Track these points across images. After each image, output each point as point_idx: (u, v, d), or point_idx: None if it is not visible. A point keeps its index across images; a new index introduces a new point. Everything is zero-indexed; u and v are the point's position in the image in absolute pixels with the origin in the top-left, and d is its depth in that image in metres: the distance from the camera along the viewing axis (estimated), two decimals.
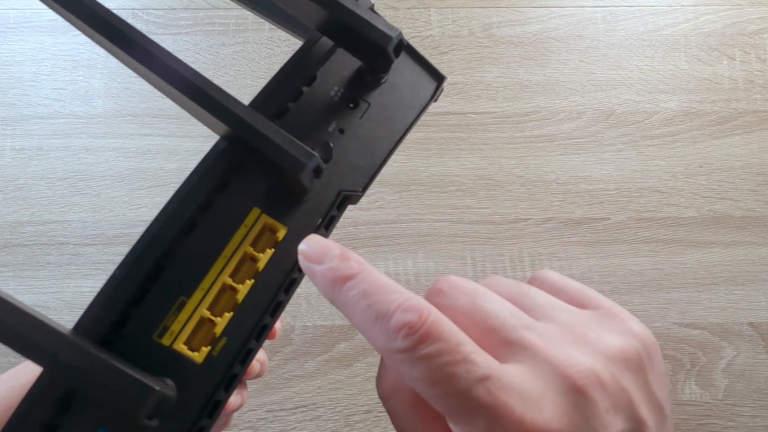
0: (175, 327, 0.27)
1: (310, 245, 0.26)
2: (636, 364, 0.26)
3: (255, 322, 0.28)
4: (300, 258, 0.26)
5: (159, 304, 0.27)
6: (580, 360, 0.24)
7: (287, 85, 0.30)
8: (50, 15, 1.05)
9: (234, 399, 0.55)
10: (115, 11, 0.26)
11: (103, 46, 0.27)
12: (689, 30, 1.09)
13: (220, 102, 0.26)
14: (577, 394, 0.23)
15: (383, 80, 0.31)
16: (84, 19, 0.26)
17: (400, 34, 0.27)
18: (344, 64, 0.31)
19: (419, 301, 0.24)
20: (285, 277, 0.28)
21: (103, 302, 0.26)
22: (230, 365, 0.27)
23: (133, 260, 0.27)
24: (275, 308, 0.28)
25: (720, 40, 1.09)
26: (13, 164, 1.00)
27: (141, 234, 0.27)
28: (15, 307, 0.23)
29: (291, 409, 0.93)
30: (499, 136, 1.04)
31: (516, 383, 0.23)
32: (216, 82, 0.27)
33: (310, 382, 0.94)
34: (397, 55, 0.28)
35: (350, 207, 0.31)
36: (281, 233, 0.28)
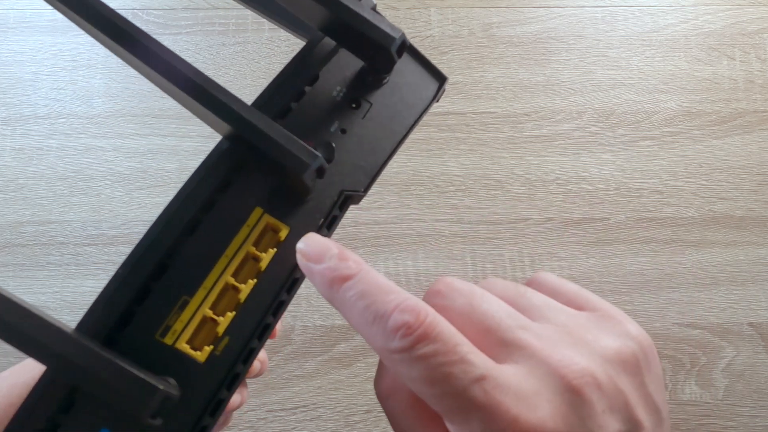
0: (178, 326, 0.27)
1: (309, 244, 0.26)
2: (632, 366, 0.26)
3: (257, 321, 0.28)
4: (298, 257, 0.26)
5: (162, 303, 0.27)
6: (576, 360, 0.24)
7: (290, 85, 0.30)
8: (50, 15, 1.05)
9: (234, 398, 0.55)
10: None
11: (106, 46, 0.27)
12: (689, 30, 1.09)
13: (223, 101, 0.26)
14: (572, 395, 0.23)
15: (385, 80, 0.31)
16: (87, 18, 0.26)
17: (403, 35, 0.27)
18: (346, 64, 0.31)
19: (417, 302, 0.24)
20: (287, 276, 0.28)
21: (106, 301, 0.26)
22: (232, 364, 0.27)
23: (136, 259, 0.27)
24: (277, 308, 0.28)
25: (720, 40, 1.09)
26: (13, 164, 1.00)
27: (143, 233, 0.27)
28: (19, 306, 0.23)
29: (291, 409, 0.93)
30: (499, 136, 1.04)
31: (512, 383, 0.23)
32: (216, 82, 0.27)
33: (310, 382, 0.94)
34: (399, 55, 0.28)
35: (350, 207, 0.31)
36: (283, 233, 0.28)
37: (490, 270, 0.99)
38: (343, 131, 0.30)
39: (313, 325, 0.95)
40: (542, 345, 0.25)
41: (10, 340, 0.23)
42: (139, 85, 1.03)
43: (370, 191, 0.31)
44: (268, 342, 0.86)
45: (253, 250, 0.28)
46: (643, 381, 0.26)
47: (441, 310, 0.26)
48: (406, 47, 0.29)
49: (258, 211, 0.28)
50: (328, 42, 0.30)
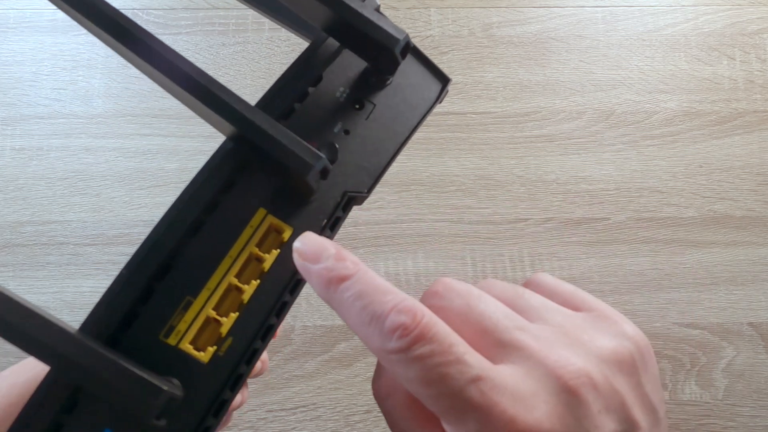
0: (182, 327, 0.27)
1: (306, 243, 0.26)
2: (629, 366, 0.26)
3: (260, 322, 0.28)
4: (295, 256, 0.26)
5: (165, 303, 0.27)
6: (572, 361, 0.24)
7: (293, 86, 0.30)
8: (50, 15, 1.05)
9: (236, 397, 0.55)
10: None
11: (109, 45, 0.27)
12: (689, 30, 1.09)
13: (227, 102, 0.26)
14: (569, 395, 0.23)
15: (389, 81, 0.31)
16: (90, 17, 0.26)
17: (407, 36, 0.28)
18: (350, 65, 0.31)
19: (413, 303, 0.24)
20: (290, 277, 0.28)
21: (109, 302, 0.26)
22: (236, 365, 0.27)
23: (139, 260, 0.27)
24: (280, 309, 0.28)
25: (720, 40, 1.09)
26: (13, 164, 1.00)
27: (144, 233, 0.27)
28: (22, 306, 0.23)
29: (291, 409, 0.93)
30: (499, 136, 1.04)
31: (508, 383, 0.23)
32: None
33: (310, 382, 0.94)
34: (403, 57, 0.28)
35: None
36: (287, 234, 0.28)
37: (490, 270, 0.99)
38: (347, 132, 0.30)
39: (313, 325, 0.95)
40: (539, 346, 0.25)
41: (13, 341, 0.23)
42: (139, 85, 1.03)
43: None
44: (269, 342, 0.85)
45: (256, 251, 0.28)
46: (640, 381, 0.26)
47: (438, 311, 0.26)
48: (410, 48, 0.29)
49: (261, 211, 0.28)
50: (332, 43, 0.30)
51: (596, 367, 0.25)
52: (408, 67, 0.32)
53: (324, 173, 0.27)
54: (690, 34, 1.09)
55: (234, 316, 0.27)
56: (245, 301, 0.28)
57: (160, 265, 0.27)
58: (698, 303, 0.98)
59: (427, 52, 0.32)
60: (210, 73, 0.26)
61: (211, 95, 0.26)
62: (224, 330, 0.27)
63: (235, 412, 0.81)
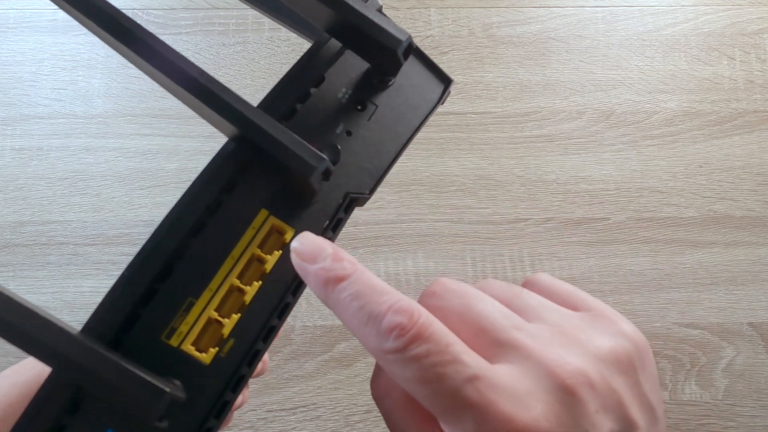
0: (183, 328, 0.27)
1: (303, 243, 0.26)
2: (626, 365, 0.26)
3: (262, 323, 0.28)
4: (292, 256, 0.26)
5: (167, 305, 0.27)
6: (569, 360, 0.24)
7: (295, 87, 0.30)
8: (50, 15, 1.05)
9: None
10: None
11: (111, 45, 0.27)
12: (689, 30, 1.09)
13: (229, 103, 0.26)
14: (566, 394, 0.23)
15: (391, 82, 0.31)
16: (92, 17, 0.26)
17: (410, 37, 0.27)
18: (352, 65, 0.31)
19: (410, 303, 0.24)
20: (292, 279, 0.28)
21: (111, 303, 0.26)
22: (238, 366, 0.27)
23: (141, 261, 0.27)
24: (283, 310, 0.28)
25: (720, 40, 1.09)
26: (13, 164, 1.00)
27: (144, 233, 0.27)
28: (24, 307, 0.23)
29: (291, 409, 0.93)
30: (499, 136, 1.04)
31: (505, 383, 0.23)
32: None
33: (310, 382, 0.94)
34: (406, 58, 0.28)
35: None
36: (289, 235, 0.28)
37: (490, 270, 0.99)
38: (349, 133, 0.30)
39: (313, 325, 0.95)
40: (536, 345, 0.25)
41: (16, 342, 0.23)
42: (139, 85, 1.03)
43: None
44: None
45: (258, 252, 0.28)
46: (638, 380, 0.26)
47: (436, 310, 0.26)
48: (412, 49, 0.29)
49: (263, 212, 0.28)
50: (334, 43, 0.30)
51: (593, 367, 0.25)
52: (410, 67, 0.32)
53: (326, 175, 0.27)
54: (690, 34, 1.09)
55: (236, 317, 0.27)
56: (247, 302, 0.28)
57: (162, 267, 0.27)
58: (698, 303, 0.98)
59: (427, 52, 0.32)
60: (210, 73, 0.26)
61: (213, 96, 0.26)
62: (226, 331, 0.27)
63: (235, 411, 0.81)
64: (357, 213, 1.00)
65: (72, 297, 0.95)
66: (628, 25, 1.09)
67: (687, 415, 0.94)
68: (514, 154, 1.03)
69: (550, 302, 0.29)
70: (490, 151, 1.03)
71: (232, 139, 0.28)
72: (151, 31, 0.26)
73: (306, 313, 0.95)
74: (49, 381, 0.25)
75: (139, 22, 0.26)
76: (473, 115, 1.05)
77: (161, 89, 0.28)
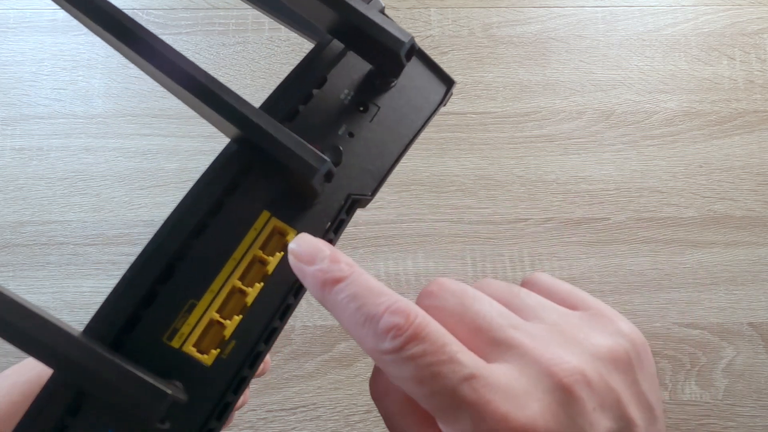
0: (185, 329, 0.27)
1: (301, 244, 0.26)
2: (624, 364, 0.26)
3: (264, 325, 0.28)
4: (290, 257, 0.26)
5: (169, 306, 0.27)
6: (566, 359, 0.24)
7: (298, 88, 0.30)
8: (50, 15, 1.05)
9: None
10: None
11: (113, 46, 0.27)
12: (689, 30, 1.09)
13: (231, 104, 0.26)
14: (563, 393, 0.24)
15: (393, 84, 0.31)
16: (94, 18, 0.26)
17: (412, 39, 0.27)
18: (354, 67, 0.31)
19: (407, 304, 0.24)
20: (294, 280, 0.28)
21: (113, 304, 0.26)
22: (239, 368, 0.27)
23: (143, 262, 0.27)
24: (284, 312, 0.28)
25: (720, 40, 1.09)
26: (13, 164, 1.00)
27: (147, 234, 0.27)
28: (26, 309, 0.23)
29: (291, 409, 0.93)
30: (499, 136, 1.04)
31: (502, 381, 0.23)
32: None
33: (310, 382, 0.94)
34: (408, 59, 0.28)
35: None
36: (290, 236, 0.28)
37: (490, 270, 0.99)
38: (351, 135, 0.30)
39: (313, 325, 0.95)
40: (534, 344, 0.25)
41: (17, 343, 0.23)
42: (139, 85, 1.03)
43: None
44: None
45: (260, 253, 0.28)
46: (636, 379, 0.26)
47: (433, 310, 0.26)
48: (415, 51, 0.29)
49: (265, 214, 0.28)
50: (337, 45, 0.30)
51: (591, 365, 0.25)
52: (412, 69, 0.32)
53: (328, 176, 0.27)
54: (690, 34, 1.09)
55: (237, 318, 0.27)
56: (249, 303, 0.28)
57: (164, 268, 0.27)
58: (698, 303, 0.98)
59: (427, 53, 0.32)
60: (210, 73, 0.26)
61: (215, 97, 0.26)
62: (228, 333, 0.27)
63: (235, 412, 0.81)
64: (357, 213, 0.99)
65: (72, 297, 0.95)
66: (628, 25, 1.09)
67: (687, 415, 0.94)
68: (514, 154, 1.03)
69: (548, 301, 0.29)
70: (490, 151, 1.03)
71: (234, 141, 0.28)
72: (151, 31, 0.26)
73: (306, 313, 0.95)
74: (51, 382, 0.25)
75: (139, 22, 0.26)
76: (473, 115, 1.05)
77: (161, 89, 0.28)
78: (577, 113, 1.05)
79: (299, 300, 0.29)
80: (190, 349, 0.27)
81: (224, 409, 0.27)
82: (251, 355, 0.28)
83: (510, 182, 1.02)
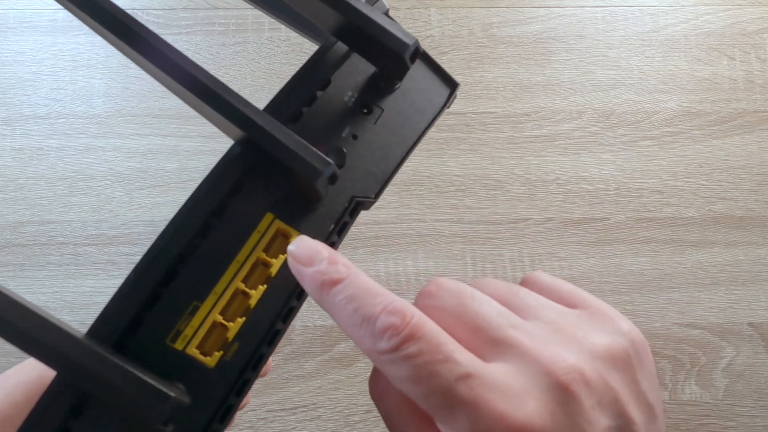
0: (188, 331, 0.27)
1: (300, 246, 0.26)
2: (623, 363, 0.26)
3: (267, 327, 0.28)
4: (289, 259, 0.26)
5: (172, 308, 0.27)
6: (565, 358, 0.24)
7: (302, 90, 0.30)
8: (50, 15, 1.05)
9: None
10: None
11: (117, 47, 0.27)
12: (689, 30, 1.09)
13: (235, 106, 0.26)
14: (560, 391, 0.24)
15: (397, 86, 0.31)
16: (98, 19, 0.26)
17: (417, 41, 0.27)
18: (358, 69, 0.31)
19: (403, 304, 0.24)
20: (297, 283, 0.28)
21: (117, 306, 0.26)
22: (242, 370, 0.27)
23: (146, 264, 0.27)
24: (287, 314, 0.28)
25: (720, 40, 1.09)
26: (13, 164, 0.99)
27: (147, 234, 0.27)
28: (29, 310, 0.23)
29: (291, 409, 0.93)
30: (499, 136, 1.04)
31: (499, 380, 0.23)
32: None
33: (310, 382, 0.94)
34: (412, 62, 0.28)
35: None
36: (294, 239, 0.28)
37: (490, 270, 0.99)
38: (355, 137, 0.30)
39: (313, 325, 0.95)
40: (532, 343, 0.25)
41: (21, 345, 0.23)
42: (139, 85, 1.02)
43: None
44: None
45: (263, 255, 0.28)
46: (635, 377, 0.26)
47: (432, 310, 0.26)
48: (419, 54, 0.29)
49: (269, 216, 0.28)
50: (341, 47, 0.30)
51: (589, 364, 0.25)
52: (416, 71, 0.32)
53: (332, 179, 0.27)
54: (690, 34, 1.09)
55: (241, 321, 0.27)
56: (252, 306, 0.28)
57: (167, 270, 0.27)
58: (698, 303, 0.98)
59: (430, 55, 0.32)
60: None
61: (219, 99, 0.26)
62: (231, 335, 0.27)
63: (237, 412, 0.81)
64: None
65: (72, 297, 0.95)
66: (628, 25, 1.09)
67: (687, 415, 0.94)
68: (514, 154, 1.03)
69: (547, 300, 0.29)
70: (490, 151, 1.03)
71: (238, 143, 0.28)
72: (153, 31, 0.26)
73: (306, 313, 0.95)
74: (54, 384, 0.25)
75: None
76: (473, 115, 1.05)
77: (161, 89, 0.28)
78: (577, 113, 1.05)
79: (302, 302, 0.29)
80: (193, 351, 0.27)
81: (227, 411, 0.27)
82: (254, 358, 0.28)
83: (510, 182, 1.02)
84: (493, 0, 1.10)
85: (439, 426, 0.24)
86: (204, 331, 0.27)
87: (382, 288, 0.25)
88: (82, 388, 0.25)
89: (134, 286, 0.26)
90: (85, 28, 0.94)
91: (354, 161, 0.30)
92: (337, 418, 0.93)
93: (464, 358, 0.24)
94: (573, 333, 0.26)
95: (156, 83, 0.28)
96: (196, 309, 0.27)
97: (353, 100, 0.30)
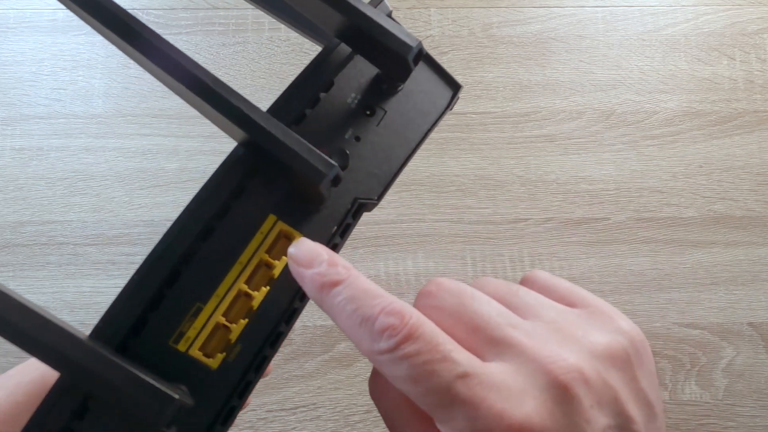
0: (191, 333, 0.27)
1: (300, 249, 0.26)
2: (623, 362, 0.26)
3: (270, 329, 0.28)
4: (289, 261, 0.27)
5: (175, 309, 0.27)
6: (564, 357, 0.24)
7: (305, 91, 0.30)
8: (50, 15, 1.05)
9: None
10: None
11: (120, 47, 0.27)
12: (689, 30, 1.09)
13: (239, 108, 0.26)
14: (559, 390, 0.24)
15: (400, 88, 0.31)
16: (101, 19, 0.26)
17: (420, 43, 0.27)
18: (361, 71, 0.31)
19: (402, 305, 0.24)
20: None
21: (120, 307, 0.26)
22: (245, 372, 0.27)
23: (150, 265, 0.27)
24: (290, 316, 0.28)
25: (720, 40, 1.09)
26: (13, 164, 0.99)
27: (147, 234, 0.27)
28: (33, 312, 0.23)
29: (291, 409, 0.93)
30: (499, 136, 1.04)
31: (497, 380, 0.24)
32: None
33: (310, 382, 0.94)
34: (416, 64, 0.28)
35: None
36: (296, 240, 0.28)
37: (490, 270, 0.99)
38: (357, 138, 0.30)
39: (313, 325, 0.95)
40: (531, 343, 0.25)
41: (24, 346, 0.23)
42: (139, 85, 1.02)
43: None
44: None
45: (266, 257, 0.28)
46: (635, 376, 0.26)
47: (432, 310, 0.27)
48: (423, 56, 0.29)
49: (272, 218, 0.28)
50: (344, 48, 0.30)
51: (588, 363, 0.25)
52: (419, 73, 0.32)
53: (336, 181, 0.27)
54: (690, 34, 1.09)
55: (243, 322, 0.27)
56: (255, 307, 0.28)
57: (171, 271, 0.27)
58: (698, 303, 0.98)
59: (433, 56, 0.32)
60: None
61: (223, 101, 0.26)
62: (233, 337, 0.27)
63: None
64: None
65: (72, 297, 0.95)
66: (628, 25, 1.09)
67: (687, 415, 0.94)
68: (514, 154, 1.03)
69: (547, 299, 0.29)
70: (490, 151, 1.03)
71: (241, 144, 0.28)
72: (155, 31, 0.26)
73: (306, 313, 0.95)
74: (58, 386, 0.25)
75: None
76: (473, 115, 1.05)
77: (161, 89, 0.28)
78: (577, 113, 1.05)
79: (305, 304, 0.29)
80: (196, 353, 0.27)
81: (229, 413, 0.27)
82: (257, 359, 0.28)
83: (510, 182, 1.02)
84: (493, 0, 1.10)
85: (439, 425, 0.24)
86: (207, 332, 0.27)
87: (381, 290, 0.25)
88: (85, 390, 0.25)
89: (138, 287, 0.26)
90: (85, 28, 0.94)
91: (357, 163, 0.30)
92: (337, 418, 0.93)
93: (462, 357, 0.24)
94: (572, 332, 0.26)
95: (156, 83, 0.28)
96: (199, 310, 0.27)
97: (356, 101, 0.30)
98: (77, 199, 0.98)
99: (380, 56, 0.29)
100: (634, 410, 0.25)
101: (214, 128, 0.29)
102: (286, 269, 0.28)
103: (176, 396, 0.24)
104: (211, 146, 0.98)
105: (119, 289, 0.26)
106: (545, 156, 1.03)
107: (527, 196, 1.02)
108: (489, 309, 0.26)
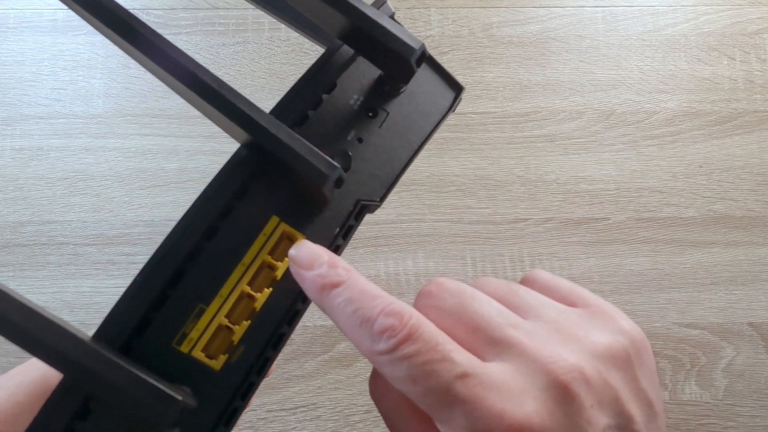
0: (194, 334, 0.27)
1: (300, 250, 0.27)
2: (623, 361, 0.26)
3: (272, 330, 0.28)
4: (290, 263, 0.27)
5: (178, 311, 0.27)
6: (564, 357, 0.24)
7: (307, 93, 0.30)
8: (50, 15, 1.05)
9: None
10: None
11: (122, 47, 0.27)
12: (689, 30, 1.09)
13: (242, 110, 0.26)
14: (560, 390, 0.24)
15: (402, 89, 0.31)
16: (102, 19, 0.26)
17: (423, 45, 0.27)
18: (364, 72, 0.31)
19: (401, 306, 0.24)
20: None
21: (123, 308, 0.26)
22: (247, 373, 0.27)
23: (153, 266, 0.27)
24: (292, 317, 0.28)
25: (720, 40, 1.09)
26: (13, 164, 0.99)
27: (147, 234, 0.27)
28: (35, 313, 0.23)
29: (291, 409, 0.93)
30: (499, 136, 1.04)
31: (497, 380, 0.24)
32: None
33: (310, 382, 0.94)
34: (418, 66, 0.28)
35: None
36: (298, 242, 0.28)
37: (490, 270, 0.99)
38: (360, 140, 0.30)
39: (313, 325, 0.95)
40: (532, 342, 0.25)
41: (26, 347, 0.23)
42: (139, 85, 1.02)
43: None
44: None
45: (269, 258, 0.28)
46: (635, 375, 0.26)
47: (432, 310, 0.27)
48: (425, 58, 0.29)
49: (274, 219, 0.28)
50: (346, 50, 0.30)
51: (589, 363, 0.25)
52: (422, 75, 0.32)
53: (339, 183, 0.27)
54: (690, 34, 1.09)
55: (246, 324, 0.27)
56: (257, 309, 0.28)
57: (173, 272, 0.27)
58: (698, 303, 0.98)
59: (435, 58, 0.32)
60: None
61: (226, 102, 0.26)
62: (236, 338, 0.27)
63: None
64: None
65: (72, 297, 0.95)
66: (628, 25, 1.09)
67: (687, 415, 0.94)
68: (514, 154, 1.03)
69: (547, 299, 0.29)
70: (490, 151, 1.03)
71: (244, 145, 0.28)
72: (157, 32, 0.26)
73: (306, 313, 0.94)
74: (61, 386, 0.25)
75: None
76: (473, 115, 1.05)
77: (161, 89, 0.28)
78: (577, 113, 1.05)
79: (307, 306, 0.29)
80: (199, 354, 0.27)
81: (232, 414, 0.27)
82: (259, 361, 0.28)
83: (510, 182, 1.02)
84: (493, 0, 1.10)
85: (438, 425, 0.24)
86: (209, 334, 0.27)
87: (381, 291, 0.25)
88: (88, 391, 0.25)
89: (141, 288, 0.26)
90: (85, 28, 0.94)
91: (359, 165, 0.30)
92: (337, 418, 0.93)
93: (462, 357, 0.24)
94: (573, 332, 0.26)
95: (156, 83, 0.28)
96: (201, 312, 0.27)
97: (359, 103, 0.30)
98: (77, 199, 0.98)
99: (383, 58, 0.29)
100: (634, 410, 0.25)
101: (214, 128, 0.29)
102: (288, 271, 0.28)
103: (179, 397, 0.24)
104: (211, 146, 0.98)
105: (119, 289, 0.26)
106: (545, 156, 1.03)
107: (527, 196, 1.02)
108: (489, 309, 0.26)
